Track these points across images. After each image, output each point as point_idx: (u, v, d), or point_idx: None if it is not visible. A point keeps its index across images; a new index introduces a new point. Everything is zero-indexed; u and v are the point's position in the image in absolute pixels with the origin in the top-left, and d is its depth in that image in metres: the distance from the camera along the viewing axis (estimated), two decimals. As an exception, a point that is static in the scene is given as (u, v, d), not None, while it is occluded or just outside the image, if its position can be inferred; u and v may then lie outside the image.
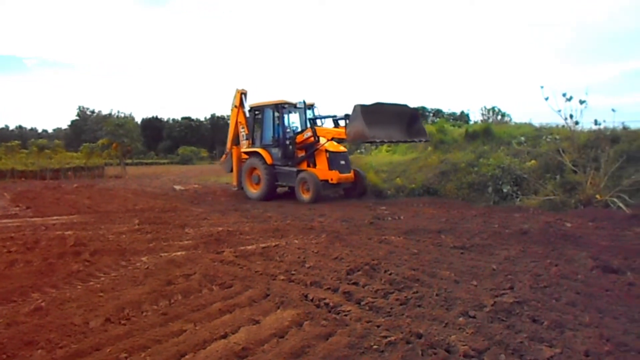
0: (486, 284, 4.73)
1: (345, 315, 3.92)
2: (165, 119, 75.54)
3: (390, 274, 5.07)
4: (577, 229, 7.85)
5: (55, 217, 10.23)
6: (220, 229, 8.41)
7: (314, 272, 5.30)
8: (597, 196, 9.68)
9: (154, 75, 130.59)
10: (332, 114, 13.80)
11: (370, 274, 5.13)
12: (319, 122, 13.95)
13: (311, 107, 14.65)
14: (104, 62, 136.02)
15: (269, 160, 14.17)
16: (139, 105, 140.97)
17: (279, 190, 14.79)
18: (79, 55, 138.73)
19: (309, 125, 13.96)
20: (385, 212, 10.27)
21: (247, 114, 15.49)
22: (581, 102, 10.59)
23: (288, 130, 14.46)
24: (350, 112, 12.93)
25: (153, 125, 71.11)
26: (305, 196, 13.14)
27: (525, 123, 16.95)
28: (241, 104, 15.66)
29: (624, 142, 11.16)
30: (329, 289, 4.65)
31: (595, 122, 11.22)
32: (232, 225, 8.80)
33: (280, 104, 14.29)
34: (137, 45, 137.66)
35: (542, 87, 11.01)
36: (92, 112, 75.81)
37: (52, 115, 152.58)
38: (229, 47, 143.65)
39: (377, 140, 11.85)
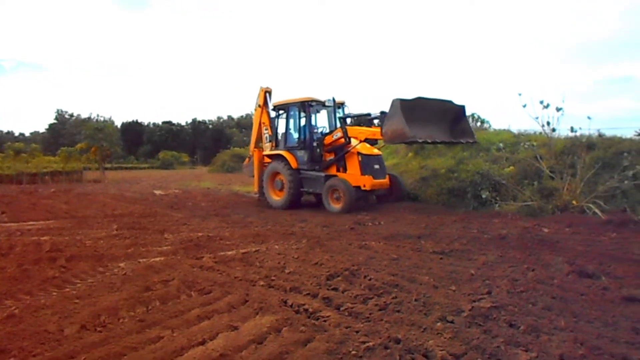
0: (464, 289, 4.77)
1: (324, 321, 3.91)
2: (146, 123, 75.04)
3: (369, 280, 5.08)
4: (554, 234, 7.97)
5: (31, 222, 10.06)
6: (200, 234, 8.35)
7: (293, 277, 5.29)
8: (574, 202, 9.85)
9: (134, 79, 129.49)
10: (365, 112, 12.77)
11: (350, 279, 5.13)
12: (348, 121, 12.83)
13: (341, 105, 13.39)
14: (84, 65, 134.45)
15: (293, 164, 12.85)
16: (119, 109, 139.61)
17: (304, 198, 13.59)
18: (58, 57, 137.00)
19: (338, 125, 12.73)
20: (366, 218, 10.31)
21: (271, 114, 14.38)
22: (558, 109, 10.77)
23: (316, 130, 13.30)
24: (372, 112, 12.36)
25: (133, 129, 70.58)
26: (336, 205, 11.78)
27: (504, 130, 17.18)
28: (265, 103, 14.51)
29: (599, 149, 11.38)
30: (308, 294, 4.64)
31: (572, 129, 11.42)
32: (212, 231, 8.74)
33: (307, 101, 12.96)
34: (118, 49, 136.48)
35: (520, 94, 11.17)
36: (71, 115, 74.93)
37: (30, 119, 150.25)
38: (212, 50, 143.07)
39: (419, 140, 10.57)
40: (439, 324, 3.79)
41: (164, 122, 73.50)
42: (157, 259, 6.38)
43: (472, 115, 25.02)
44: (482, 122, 24.19)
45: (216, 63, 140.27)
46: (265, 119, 14.53)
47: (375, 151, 12.68)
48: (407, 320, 3.86)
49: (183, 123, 76.01)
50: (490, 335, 3.57)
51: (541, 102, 10.88)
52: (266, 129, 14.52)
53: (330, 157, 12.67)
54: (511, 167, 12.17)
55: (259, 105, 14.63)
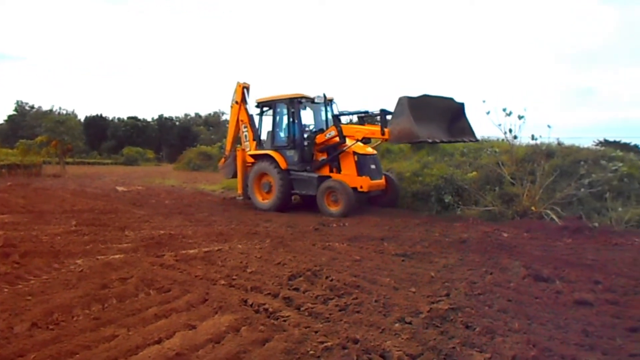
0: (424, 291, 4.84)
1: (284, 320, 3.91)
2: (111, 118, 73.36)
3: (331, 280, 5.10)
4: (513, 239, 8.17)
5: (-16, 217, 9.69)
6: (162, 232, 8.22)
7: (255, 277, 5.27)
8: (533, 208, 10.12)
9: (100, 73, 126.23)
10: (362, 110, 12.00)
11: (311, 279, 5.14)
12: (344, 119, 12.27)
13: (330, 102, 12.69)
14: (47, 56, 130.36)
15: (283, 164, 12.14)
16: (83, 102, 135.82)
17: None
18: (19, 47, 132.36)
19: (330, 123, 12.18)
20: (331, 219, 10.34)
21: (250, 111, 13.54)
22: (520, 117, 11.05)
23: (307, 129, 12.62)
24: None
25: (97, 124, 68.85)
26: (333, 208, 11.13)
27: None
28: (243, 100, 13.61)
29: (558, 157, 11.74)
30: (269, 294, 4.63)
31: (532, 137, 11.74)
32: (175, 229, 8.61)
33: (297, 98, 12.27)
34: (82, 41, 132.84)
35: (484, 101, 11.42)
36: (32, 107, 72.52)
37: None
38: (180, 46, 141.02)
39: (429, 141, 10.20)
40: (397, 324, 3.83)
41: (129, 118, 71.96)
42: (117, 256, 6.24)
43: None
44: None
45: (184, 59, 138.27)
46: (243, 117, 13.69)
47: (370, 150, 12.16)
48: (366, 321, 3.89)
49: (149, 119, 74.66)
50: (447, 337, 3.63)
51: (504, 110, 11.14)
52: (245, 127, 13.66)
53: (322, 157, 12.09)
54: (474, 173, 12.42)
55: (236, 102, 13.76)
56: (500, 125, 11.34)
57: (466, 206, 11.26)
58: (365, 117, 12.27)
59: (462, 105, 11.10)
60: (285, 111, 12.60)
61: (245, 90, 13.60)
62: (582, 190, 10.13)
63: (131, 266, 5.66)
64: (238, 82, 13.72)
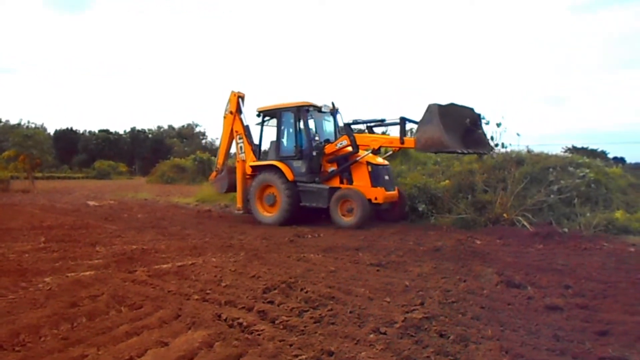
0: (398, 300, 4.85)
1: (258, 334, 3.86)
2: (81, 131, 72.19)
3: (306, 292, 5.07)
4: (486, 246, 8.29)
5: (-52, 235, 9.38)
6: (134, 247, 8.07)
7: (229, 291, 5.21)
8: (505, 215, 10.30)
9: (69, 85, 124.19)
10: (378, 118, 11.42)
11: (286, 292, 5.11)
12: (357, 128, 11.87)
13: (336, 111, 12.41)
14: (12, 66, 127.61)
15: (289, 175, 11.61)
16: (53, 115, 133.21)
17: None
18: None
19: (338, 133, 11.91)
20: (305, 230, 10.32)
21: (245, 122, 13.16)
22: (498, 125, 11.29)
23: (317, 138, 11.99)
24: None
25: (67, 137, 67.81)
26: (347, 219, 10.73)
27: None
28: (238, 110, 13.18)
29: (528, 165, 12.00)
30: (243, 308, 4.58)
31: (502, 145, 11.98)
32: (148, 243, 8.47)
33: (304, 106, 11.84)
34: (51, 50, 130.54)
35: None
36: (-1, 121, 70.86)
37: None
38: (152, 56, 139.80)
39: (458, 151, 9.82)
40: (372, 335, 3.83)
41: (100, 131, 71.02)
42: (87, 273, 6.09)
43: (412, 130, 25.68)
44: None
45: (156, 70, 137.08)
46: (238, 127, 13.18)
47: (382, 161, 11.70)
48: (341, 333, 3.88)
49: (121, 132, 73.83)
50: (421, 346, 3.64)
51: (483, 118, 11.34)
52: (240, 138, 13.10)
53: (331, 167, 11.62)
54: (447, 181, 12.60)
55: (230, 112, 13.26)
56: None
57: (440, 214, 11.39)
58: (374, 126, 11.83)
59: (479, 115, 10.76)
60: (291, 120, 12.04)
61: (240, 100, 13.23)
62: (552, 196, 10.37)
63: (102, 283, 5.53)
64: (232, 92, 13.29)
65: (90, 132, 72.15)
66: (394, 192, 11.40)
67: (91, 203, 18.12)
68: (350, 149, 11.19)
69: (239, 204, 13.05)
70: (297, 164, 11.74)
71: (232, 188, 13.39)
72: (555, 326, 4.12)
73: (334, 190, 11.18)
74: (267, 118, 12.64)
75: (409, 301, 4.81)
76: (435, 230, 10.19)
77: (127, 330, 3.95)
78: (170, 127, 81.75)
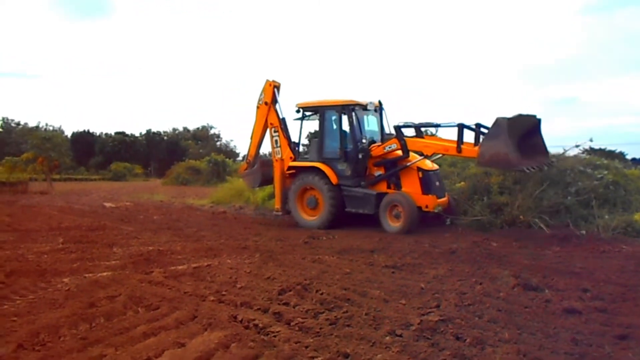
0: (414, 303, 4.83)
1: (274, 336, 3.88)
2: (98, 134, 73.00)
3: (321, 294, 5.08)
4: (502, 248, 8.22)
5: (-31, 236, 9.55)
6: (150, 248, 8.16)
7: (245, 292, 5.24)
8: (521, 217, 10.18)
9: (87, 88, 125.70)
10: (433, 121, 10.63)
11: (301, 293, 5.12)
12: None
13: (381, 109, 11.72)
14: (33, 71, 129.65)
15: (333, 178, 10.99)
16: (70, 118, 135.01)
17: None
18: (2, 63, 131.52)
19: (382, 132, 11.35)
20: (320, 232, 10.32)
21: (281, 114, 12.26)
22: None
23: (364, 140, 11.07)
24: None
25: (84, 140, 68.47)
26: (394, 224, 10.17)
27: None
28: (274, 100, 12.27)
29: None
30: (259, 309, 4.60)
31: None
32: (164, 245, 8.55)
33: (350, 104, 11.03)
34: (68, 55, 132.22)
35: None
36: (18, 124, 71.91)
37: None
38: (168, 60, 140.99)
39: (527, 170, 9.00)
40: (387, 338, 3.82)
41: (116, 133, 71.60)
42: (104, 273, 6.18)
43: (426, 132, 25.61)
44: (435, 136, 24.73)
45: (171, 73, 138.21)
46: (273, 119, 12.31)
47: (433, 165, 10.90)
48: (357, 335, 3.88)
49: (137, 134, 74.41)
50: (437, 349, 3.63)
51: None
52: (276, 132, 12.27)
53: (377, 171, 11.04)
54: (462, 183, 12.50)
55: (265, 103, 12.36)
56: None
57: (455, 216, 11.30)
58: (422, 129, 11.02)
59: (539, 121, 9.78)
60: (335, 119, 11.37)
61: (275, 90, 12.34)
62: (569, 198, 10.22)
63: (119, 284, 5.60)
64: (267, 81, 12.44)
65: (106, 134, 72.86)
66: (444, 199, 10.78)
67: (108, 204, 18.32)
68: (399, 152, 10.57)
69: (277, 205, 12.35)
70: (342, 166, 11.08)
71: (264, 183, 12.87)
72: (573, 330, 4.08)
73: (381, 195, 10.60)
74: (308, 114, 11.90)
75: (424, 304, 4.80)
76: (450, 232, 10.12)
77: (145, 330, 4.00)
78: (185, 129, 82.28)
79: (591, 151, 20.36)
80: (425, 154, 10.34)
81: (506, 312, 4.56)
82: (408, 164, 10.48)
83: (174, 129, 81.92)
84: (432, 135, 10.84)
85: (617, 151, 25.23)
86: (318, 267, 6.56)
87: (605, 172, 11.05)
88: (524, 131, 9.41)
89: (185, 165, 40.95)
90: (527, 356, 3.48)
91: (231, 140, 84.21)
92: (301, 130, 12.21)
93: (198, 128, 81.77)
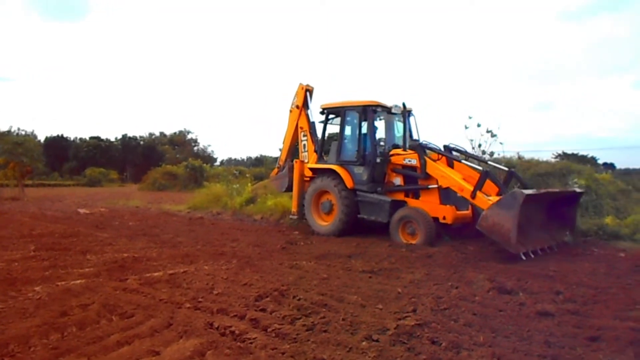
0: (391, 308, 4.86)
1: (251, 343, 3.85)
2: (72, 138, 71.77)
3: (298, 300, 5.07)
4: (478, 252, 8.33)
5: (-64, 244, 9.27)
6: (125, 255, 8.02)
7: (221, 299, 5.20)
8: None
9: (60, 91, 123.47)
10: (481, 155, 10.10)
11: (278, 299, 5.10)
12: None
13: (409, 113, 11.03)
14: (2, 74, 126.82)
15: (349, 182, 10.51)
16: (43, 122, 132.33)
17: None
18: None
19: (405, 137, 10.79)
20: (298, 237, 10.31)
21: (312, 117, 12.12)
22: (493, 135, 11.37)
23: (382, 144, 10.74)
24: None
25: (58, 145, 67.30)
26: (410, 241, 9.26)
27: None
28: (305, 104, 12.11)
29: (519, 171, 12.02)
30: (235, 316, 4.56)
31: (491, 154, 12.03)
32: (139, 251, 8.42)
33: (372, 105, 10.52)
34: (42, 57, 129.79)
35: (470, 117, 11.51)
36: (-12, 128, 70.30)
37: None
38: (144, 63, 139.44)
39: (522, 257, 7.66)
40: (364, 343, 3.83)
41: (91, 138, 70.51)
42: (77, 281, 6.05)
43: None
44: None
45: (147, 77, 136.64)
46: (303, 123, 12.14)
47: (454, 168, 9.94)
48: (334, 340, 3.88)
49: (112, 139, 73.42)
50: (414, 353, 3.65)
51: (479, 125, 11.39)
52: (305, 136, 12.07)
53: (396, 177, 10.40)
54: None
55: (297, 106, 12.23)
56: (472, 140, 11.57)
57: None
58: (460, 155, 10.43)
59: (579, 195, 9.45)
60: (356, 121, 10.85)
61: (308, 94, 12.18)
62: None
63: (93, 292, 5.50)
64: (300, 84, 12.29)
65: (81, 139, 71.71)
66: (467, 212, 9.73)
67: (82, 211, 17.98)
68: (419, 171, 9.84)
69: (294, 209, 12.01)
70: (359, 170, 10.56)
71: (291, 187, 12.37)
72: (546, 332, 4.15)
73: (396, 203, 9.97)
74: (331, 116, 11.43)
75: (401, 308, 4.82)
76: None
77: (118, 339, 3.93)
78: (162, 134, 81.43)
79: (564, 156, 20.81)
80: (439, 185, 9.47)
81: (481, 316, 4.62)
82: (430, 186, 9.64)
83: (151, 134, 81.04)
84: (460, 161, 10.12)
85: (589, 156, 25.81)
86: (295, 272, 6.55)
87: (578, 176, 11.29)
88: (550, 203, 9.03)
89: (161, 170, 40.54)
90: (501, 359, 3.53)
91: (209, 145, 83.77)
92: (324, 133, 11.67)
93: (175, 133, 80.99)
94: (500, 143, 11.80)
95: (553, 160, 16.23)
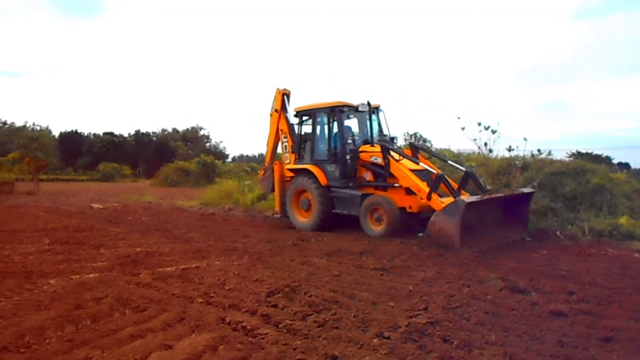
0: (402, 305, 4.85)
1: (262, 338, 3.87)
2: (86, 134, 72.44)
3: (310, 296, 5.08)
4: (490, 251, 8.25)
5: (-47, 236, 9.43)
6: (138, 249, 8.10)
7: (233, 294, 5.22)
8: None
9: (75, 88, 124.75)
10: (448, 157, 10.55)
11: (290, 296, 5.11)
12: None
13: (376, 110, 11.48)
14: (18, 69, 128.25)
15: (323, 180, 11.08)
16: (58, 118, 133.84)
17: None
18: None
19: (371, 133, 11.11)
20: (309, 234, 10.32)
21: (291, 120, 12.48)
22: (493, 132, 11.28)
23: (349, 141, 11.09)
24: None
25: (72, 140, 67.94)
26: (376, 228, 9.88)
27: (445, 149, 17.68)
28: (283, 107, 12.58)
29: (533, 170, 11.95)
30: (247, 311, 4.59)
31: (509, 149, 11.95)
32: (152, 246, 8.50)
33: (338, 106, 11.09)
34: (57, 54, 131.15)
35: (458, 117, 11.54)
36: (4, 123, 71.14)
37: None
38: (157, 61, 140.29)
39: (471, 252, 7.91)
40: (375, 340, 3.83)
41: (105, 133, 71.13)
42: (91, 275, 6.13)
43: (415, 134, 25.76)
44: (425, 141, 24.89)
45: (161, 73, 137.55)
46: (283, 126, 12.61)
47: (423, 165, 9.96)
48: (345, 337, 3.88)
49: (125, 134, 73.96)
50: (425, 351, 3.64)
51: (479, 124, 11.35)
52: (285, 138, 12.57)
53: (366, 172, 10.84)
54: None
55: (276, 110, 12.73)
56: (475, 139, 11.53)
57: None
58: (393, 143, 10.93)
59: (529, 196, 9.63)
60: (325, 121, 11.50)
61: (285, 97, 12.64)
62: (557, 202, 10.33)
63: (106, 285, 5.56)
64: (277, 89, 12.75)
65: (94, 134, 72.37)
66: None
67: (95, 205, 18.18)
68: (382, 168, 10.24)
69: (277, 208, 12.69)
70: (331, 168, 11.12)
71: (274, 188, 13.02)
72: (559, 332, 4.11)
73: (366, 196, 10.40)
74: (305, 118, 11.97)
75: (412, 306, 4.81)
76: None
77: (131, 332, 3.97)
78: (175, 130, 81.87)
79: (578, 155, 20.61)
80: (400, 184, 9.88)
81: (493, 315, 4.59)
82: (395, 184, 10.04)
83: (163, 130, 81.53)
84: (427, 157, 10.70)
85: (604, 155, 25.55)
86: (307, 269, 6.56)
87: (592, 176, 11.17)
88: (502, 204, 9.30)
89: (174, 166, 40.80)
90: (513, 358, 3.51)
91: (221, 142, 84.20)
92: (300, 134, 12.07)
93: (187, 129, 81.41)
94: (525, 139, 11.69)
95: (567, 159, 16.07)
